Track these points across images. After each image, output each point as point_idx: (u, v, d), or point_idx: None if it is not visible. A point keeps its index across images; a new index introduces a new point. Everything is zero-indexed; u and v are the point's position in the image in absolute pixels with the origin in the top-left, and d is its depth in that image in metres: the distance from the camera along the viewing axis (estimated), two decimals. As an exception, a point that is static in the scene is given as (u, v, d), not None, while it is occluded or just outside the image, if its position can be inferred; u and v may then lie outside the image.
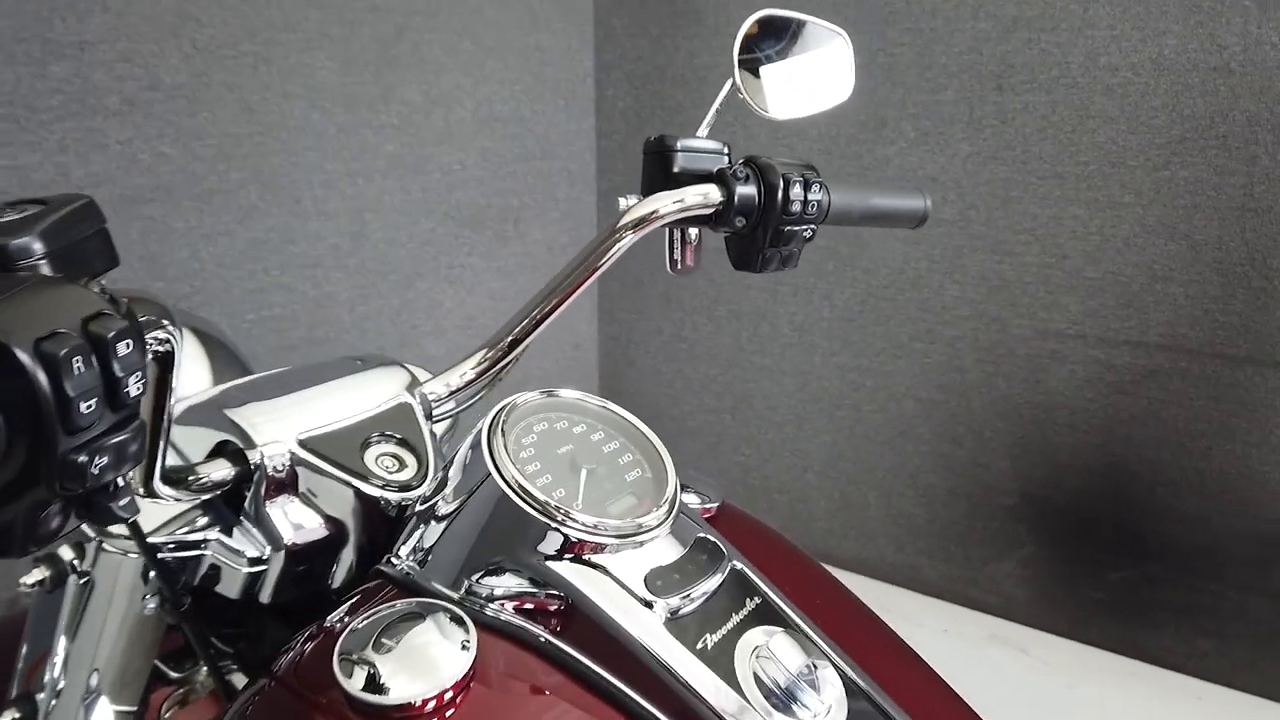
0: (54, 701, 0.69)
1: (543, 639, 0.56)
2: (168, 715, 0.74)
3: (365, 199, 1.91)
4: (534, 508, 0.57)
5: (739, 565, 0.62)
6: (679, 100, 2.32)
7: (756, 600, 0.60)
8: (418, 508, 0.64)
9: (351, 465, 0.64)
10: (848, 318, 2.21)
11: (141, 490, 0.54)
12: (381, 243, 1.97)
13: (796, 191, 0.76)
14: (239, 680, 0.72)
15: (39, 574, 0.65)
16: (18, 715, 0.69)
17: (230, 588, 0.65)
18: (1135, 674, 1.99)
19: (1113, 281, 1.88)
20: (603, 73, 2.43)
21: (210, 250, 1.67)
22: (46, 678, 0.70)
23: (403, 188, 1.98)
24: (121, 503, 0.43)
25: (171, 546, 0.63)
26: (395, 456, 0.67)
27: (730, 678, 0.54)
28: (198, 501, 0.63)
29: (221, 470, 0.61)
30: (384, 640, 0.52)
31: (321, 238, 1.85)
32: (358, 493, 0.64)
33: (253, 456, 0.61)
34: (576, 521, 0.57)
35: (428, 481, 0.66)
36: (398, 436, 0.68)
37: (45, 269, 0.43)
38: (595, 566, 0.57)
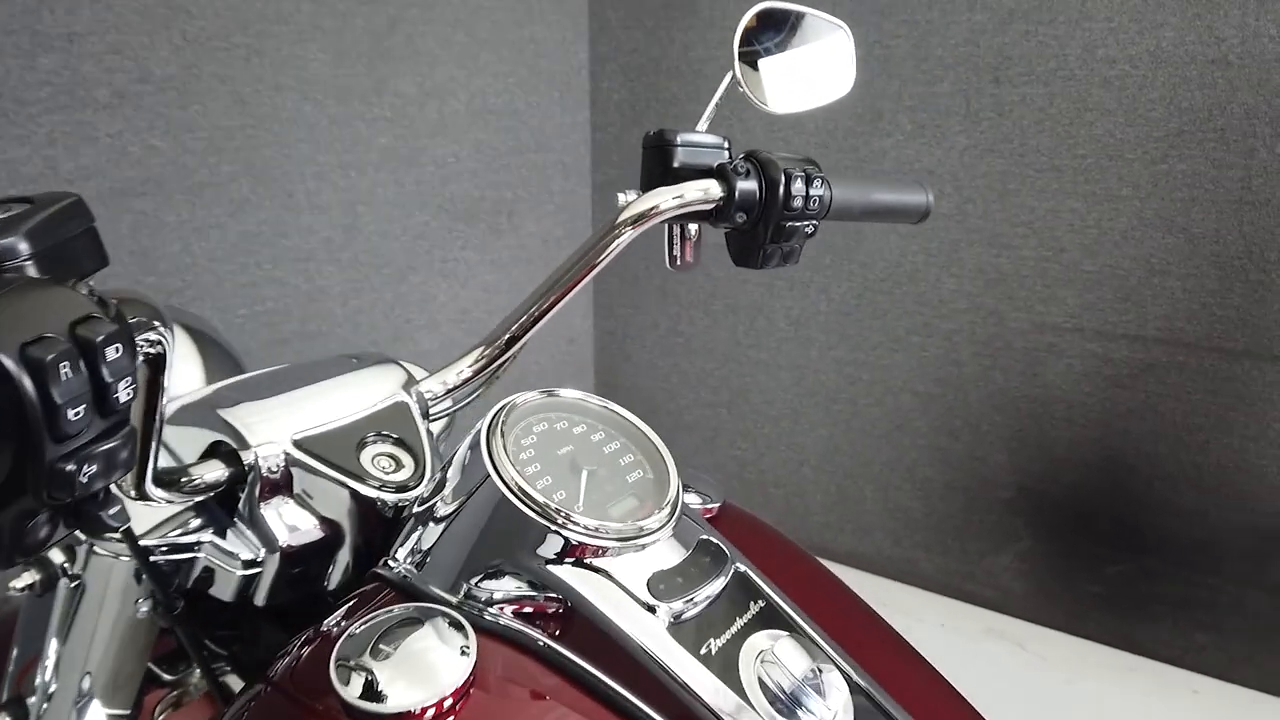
0: (45, 705, 0.68)
1: (543, 644, 0.55)
2: (161, 718, 0.73)
3: (358, 192, 1.90)
4: (534, 510, 0.55)
5: (742, 567, 0.61)
6: (674, 93, 2.30)
7: (760, 603, 0.59)
8: (415, 509, 0.63)
9: (347, 466, 0.63)
10: (844, 311, 2.20)
11: (133, 493, 0.53)
12: (375, 236, 1.95)
13: (798, 187, 0.75)
14: (233, 682, 0.72)
15: (29, 578, 0.64)
16: (9, 719, 0.68)
17: (224, 590, 0.63)
18: (1132, 668, 1.99)
19: (1110, 275, 1.87)
20: (597, 65, 2.41)
21: (202, 244, 1.65)
22: (38, 681, 0.69)
23: (396, 180, 1.97)
24: (111, 511, 0.42)
25: (164, 549, 0.62)
26: (392, 457, 0.66)
27: (735, 683, 0.53)
28: (191, 503, 0.62)
29: (215, 471, 0.60)
30: (382, 646, 0.51)
31: (314, 231, 1.83)
32: (354, 494, 0.63)
33: (246, 457, 0.60)
34: (577, 524, 0.55)
35: (425, 482, 0.65)
36: (394, 436, 0.67)
37: (31, 270, 0.42)
38: (597, 570, 0.56)
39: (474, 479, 0.58)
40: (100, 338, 0.38)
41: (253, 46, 1.66)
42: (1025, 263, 1.95)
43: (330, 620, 0.57)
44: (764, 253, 0.78)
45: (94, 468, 0.39)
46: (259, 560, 0.62)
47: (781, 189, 0.75)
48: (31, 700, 0.69)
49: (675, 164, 0.76)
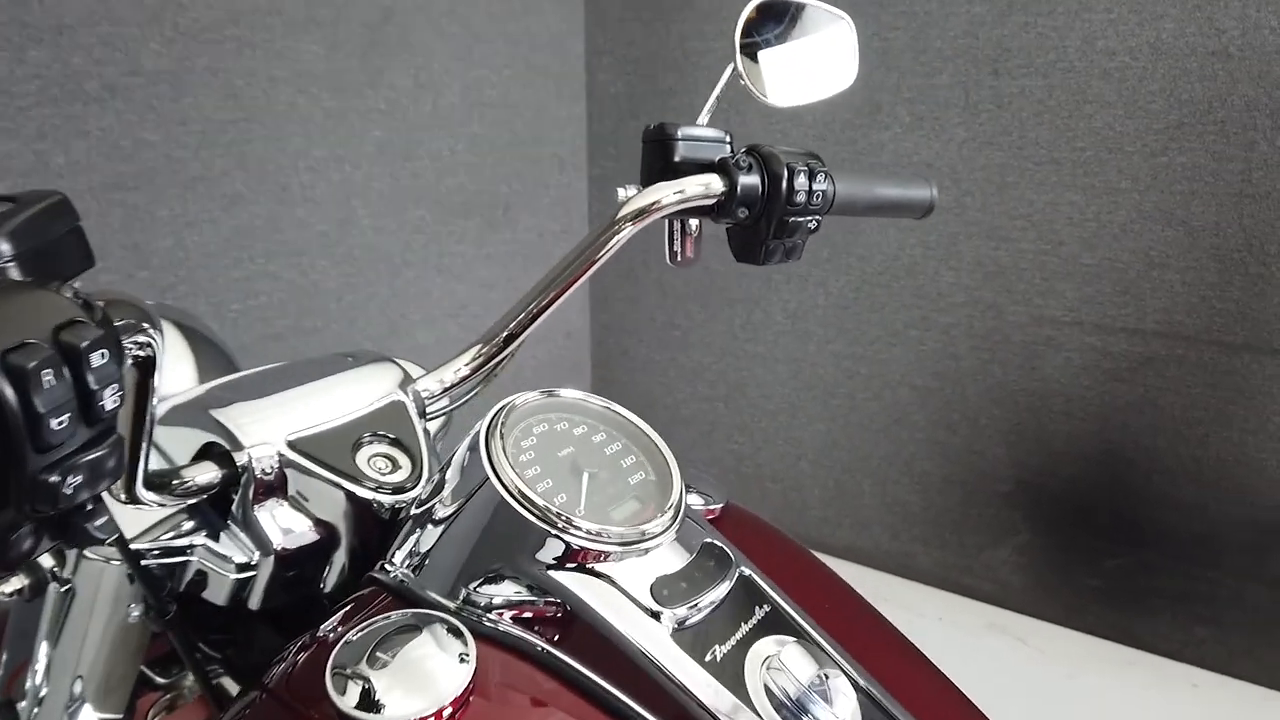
0: (36, 709, 0.67)
1: (544, 651, 0.53)
2: (154, 722, 0.72)
3: (353, 185, 1.88)
4: (534, 514, 0.54)
5: (747, 571, 0.59)
6: (671, 85, 2.29)
7: (766, 608, 0.58)
8: (412, 511, 0.62)
9: (343, 467, 0.62)
10: (842, 305, 2.19)
11: (124, 496, 0.52)
12: (370, 230, 1.94)
13: (801, 181, 0.74)
14: (228, 684, 0.70)
15: (17, 583, 0.63)
16: (-2, 723, 0.67)
17: (218, 594, 0.62)
18: (1131, 662, 1.99)
19: (1109, 268, 1.86)
20: (594, 58, 2.40)
21: (194, 239, 1.64)
22: (28, 685, 0.68)
23: (391, 174, 1.95)
24: (98, 523, 0.41)
25: (156, 553, 0.60)
26: (388, 457, 0.65)
27: (740, 690, 0.52)
28: (183, 506, 0.60)
29: (207, 473, 0.58)
30: (379, 654, 0.49)
31: (308, 225, 1.82)
32: (349, 495, 0.62)
33: (240, 458, 0.59)
34: (578, 528, 0.54)
35: (422, 483, 0.64)
36: (390, 436, 0.65)
37: (14, 272, 0.41)
38: (599, 575, 0.55)
39: (473, 481, 0.57)
40: (85, 343, 0.37)
41: (245, 39, 1.64)
42: (1024, 256, 1.94)
43: (326, 626, 0.56)
44: (766, 248, 0.76)
45: (79, 478, 0.38)
46: (253, 563, 0.61)
47: (784, 184, 0.73)
48: (22, 705, 0.68)
49: (676, 158, 0.74)
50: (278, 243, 1.77)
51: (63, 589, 0.64)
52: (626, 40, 2.33)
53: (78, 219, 0.42)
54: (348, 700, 0.47)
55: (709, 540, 0.60)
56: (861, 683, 0.55)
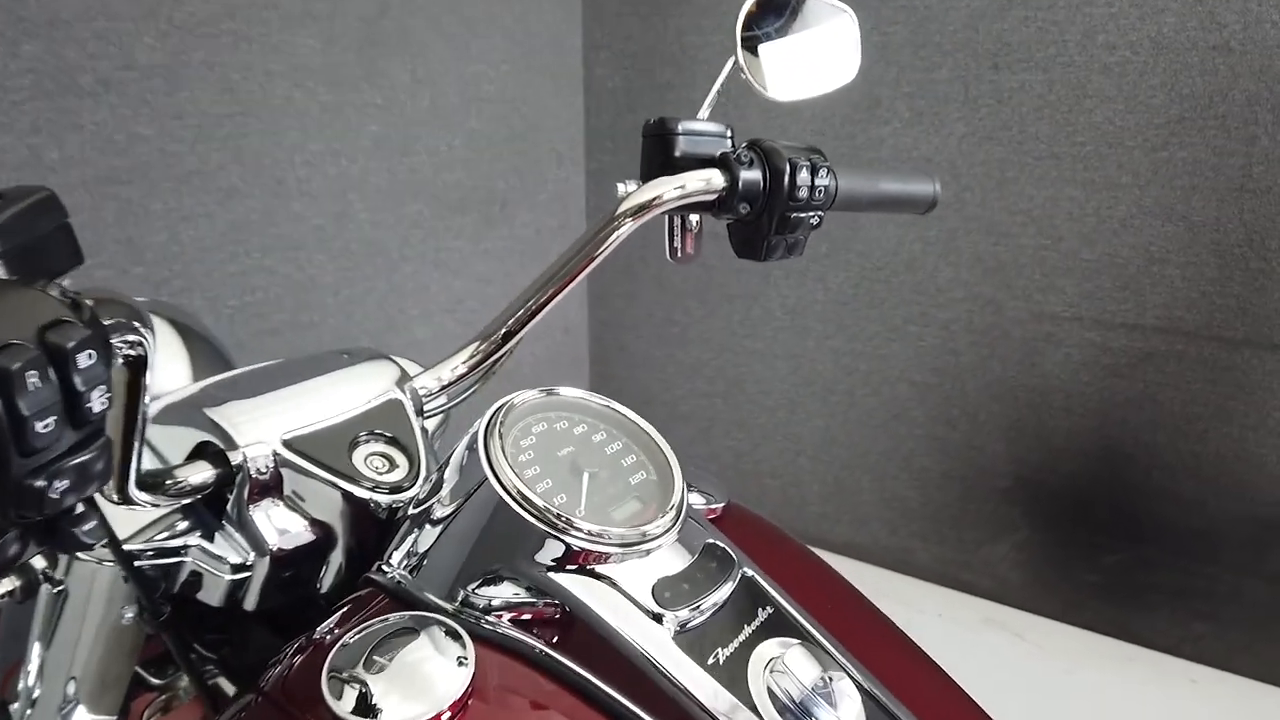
0: (29, 711, 0.67)
1: (544, 653, 0.53)
2: (150, 723, 0.71)
3: (350, 180, 1.87)
4: (533, 515, 0.53)
5: (749, 572, 0.59)
6: (669, 80, 2.28)
7: (769, 610, 0.57)
8: (410, 511, 0.61)
9: (339, 466, 0.61)
10: (841, 301, 2.18)
11: (116, 497, 0.51)
12: (367, 225, 1.93)
13: (803, 177, 0.73)
14: (224, 686, 0.70)
15: (8, 584, 0.62)
16: (-9, 725, 0.67)
17: (212, 595, 0.61)
18: (1130, 658, 1.98)
19: (1109, 263, 1.86)
20: (591, 52, 2.39)
21: (190, 233, 1.63)
22: (20, 686, 0.67)
23: (388, 168, 1.94)
24: (86, 528, 0.40)
25: (149, 554, 0.59)
26: (385, 456, 0.64)
27: (744, 694, 0.51)
28: (177, 506, 0.59)
29: (201, 473, 0.58)
30: (375, 658, 0.49)
31: (304, 219, 1.81)
32: (346, 495, 0.61)
33: (234, 458, 0.58)
34: (579, 529, 0.53)
35: (419, 483, 0.63)
36: (387, 435, 0.65)
37: None
38: (599, 577, 0.54)
39: (471, 481, 0.56)
40: (72, 344, 0.36)
41: (241, 32, 1.63)
42: (1023, 251, 1.94)
43: (323, 628, 0.55)
44: (768, 244, 0.76)
45: (65, 483, 0.37)
46: (248, 564, 0.60)
47: (786, 179, 0.73)
48: (14, 706, 0.67)
49: (676, 153, 0.74)
50: (274, 237, 1.76)
51: (55, 590, 0.63)
52: (624, 35, 2.32)
53: (66, 215, 0.41)
54: (344, 705, 0.47)
55: (711, 541, 0.59)
56: (865, 685, 0.55)
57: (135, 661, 0.67)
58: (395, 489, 0.62)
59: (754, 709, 0.50)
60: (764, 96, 0.79)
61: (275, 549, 0.60)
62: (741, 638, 0.54)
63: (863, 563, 2.34)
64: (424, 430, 0.68)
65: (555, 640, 0.53)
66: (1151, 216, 1.79)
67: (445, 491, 0.58)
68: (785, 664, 0.51)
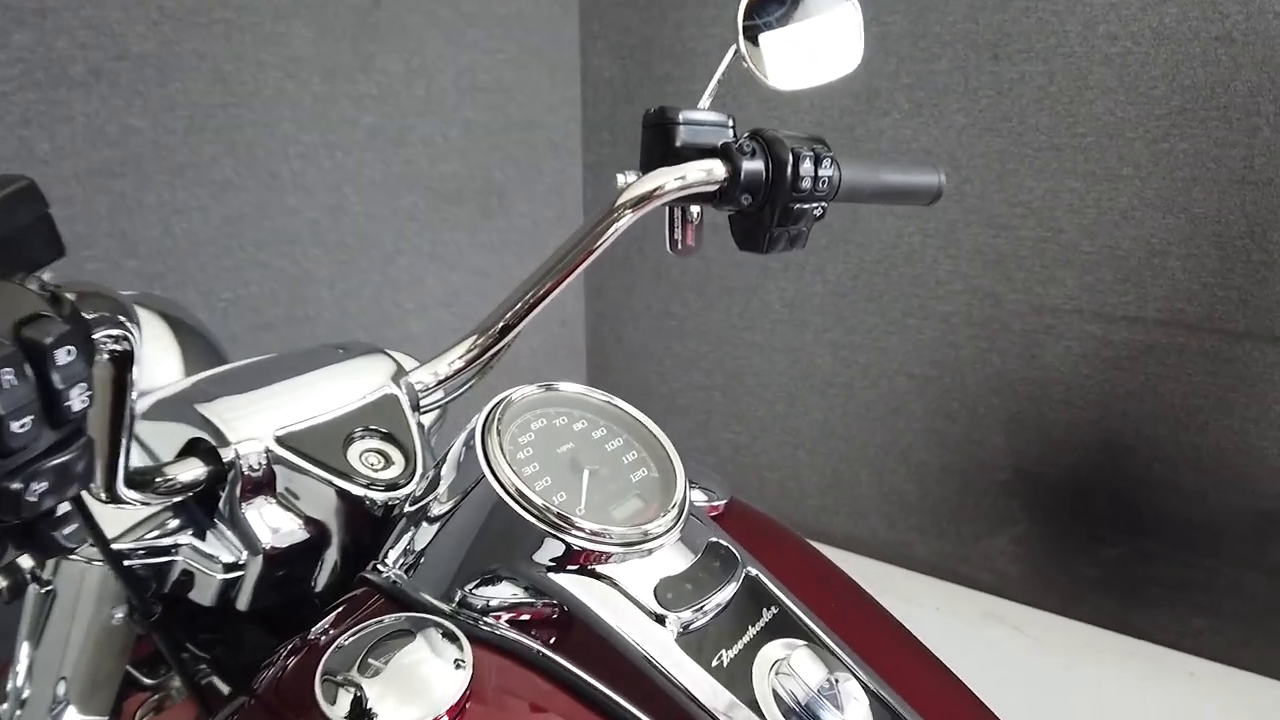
0: (19, 711, 0.66)
1: (543, 656, 0.51)
2: (142, 723, 0.70)
3: (344, 172, 1.86)
4: (532, 514, 0.52)
5: (753, 571, 0.57)
6: (667, 70, 2.26)
7: (773, 610, 0.56)
8: (406, 508, 0.60)
9: (333, 463, 0.60)
10: (840, 293, 2.17)
11: (104, 495, 0.50)
12: (362, 217, 1.91)
13: (806, 167, 0.71)
14: (218, 685, 0.68)
15: None
16: (-20, 726, 0.65)
17: (204, 595, 0.60)
18: (1130, 651, 1.98)
19: (1110, 256, 1.85)
20: (588, 42, 2.37)
21: (183, 226, 1.61)
22: (9, 686, 0.66)
23: (383, 160, 1.92)
24: (66, 531, 0.39)
25: (140, 553, 0.58)
26: (381, 453, 0.63)
27: (748, 697, 0.50)
28: (167, 504, 0.58)
29: (192, 470, 0.56)
30: (370, 661, 0.47)
31: (299, 213, 1.79)
32: (341, 493, 0.60)
33: (226, 455, 0.57)
34: (579, 529, 0.52)
35: (415, 479, 0.62)
36: (383, 431, 0.63)
37: None
38: (600, 577, 0.53)
39: (469, 478, 0.55)
40: (50, 339, 0.35)
41: (233, 22, 1.61)
42: (1023, 244, 1.92)
43: (317, 629, 0.54)
44: (770, 236, 0.74)
45: (44, 485, 0.36)
46: (240, 563, 0.59)
47: (789, 169, 0.71)
48: (4, 707, 0.66)
49: (677, 143, 0.72)
50: (268, 230, 1.74)
51: (43, 590, 0.62)
52: (621, 25, 2.30)
53: (46, 205, 0.39)
54: (338, 709, 0.46)
55: (714, 539, 0.58)
56: (872, 686, 0.54)
57: (126, 661, 0.66)
58: (391, 486, 0.61)
59: (759, 712, 0.49)
60: (765, 86, 0.78)
61: (268, 548, 0.58)
62: (746, 639, 0.53)
63: (861, 556, 2.33)
64: (420, 426, 0.67)
65: (555, 642, 0.52)
66: (1152, 208, 1.78)
67: (442, 489, 0.57)
68: (791, 666, 0.50)
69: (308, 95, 1.75)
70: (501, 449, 0.54)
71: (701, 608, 0.53)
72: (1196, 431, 1.85)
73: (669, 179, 0.70)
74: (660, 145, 0.73)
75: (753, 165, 0.72)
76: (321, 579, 0.62)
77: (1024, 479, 2.08)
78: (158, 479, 0.54)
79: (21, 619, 0.64)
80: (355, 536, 0.61)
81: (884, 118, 2.01)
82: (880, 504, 2.28)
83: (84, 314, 0.39)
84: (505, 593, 0.53)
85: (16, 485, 0.35)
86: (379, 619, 0.51)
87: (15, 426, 0.33)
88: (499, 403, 0.58)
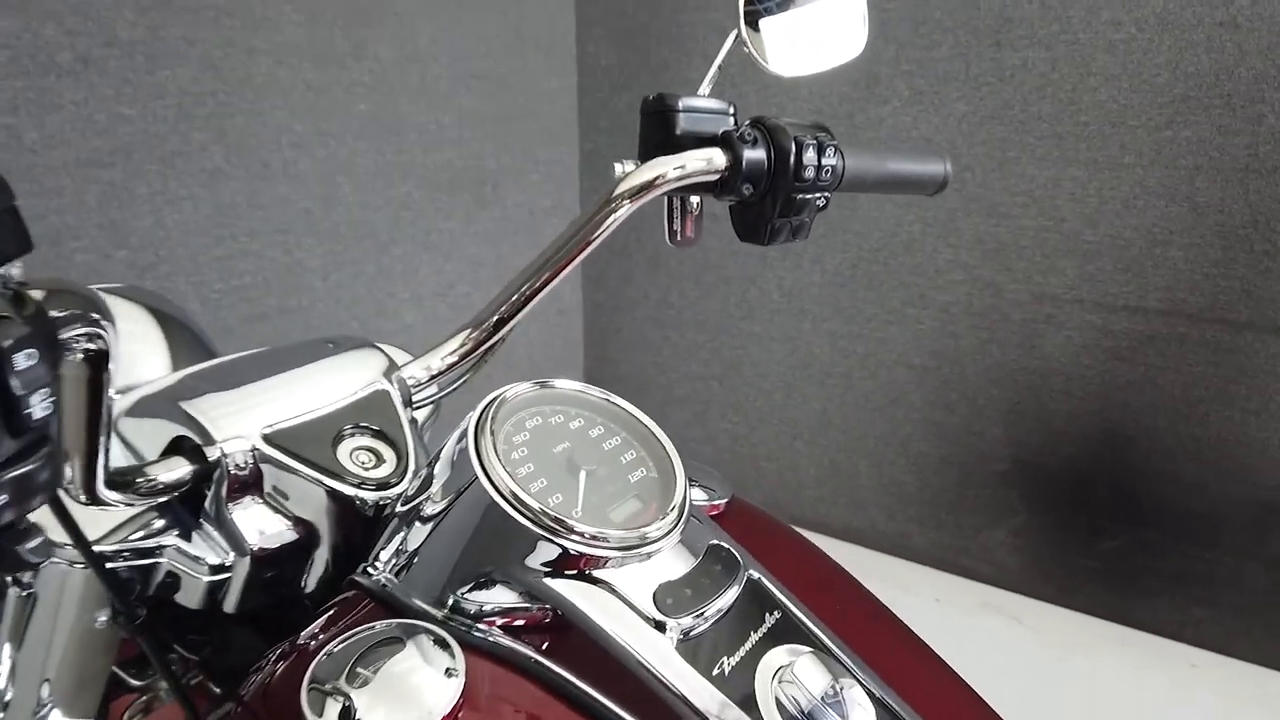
0: (2, 714, 0.64)
1: (538, 664, 0.50)
2: (130, 725, 0.68)
3: (337, 161, 1.83)
4: (527, 517, 0.50)
5: (755, 575, 0.56)
6: (664, 58, 2.24)
7: (776, 615, 0.54)
8: (398, 508, 0.58)
9: (323, 462, 0.58)
10: (838, 283, 2.15)
11: (83, 497, 0.48)
12: (355, 207, 1.89)
13: (810, 156, 0.69)
14: (209, 686, 0.67)
15: None
16: (-37, 730, 0.64)
17: (190, 597, 0.59)
18: (1129, 642, 1.97)
19: (1111, 245, 1.83)
20: (584, 29, 2.34)
21: (174, 216, 1.59)
22: None
23: (376, 149, 1.90)
24: (30, 545, 0.37)
25: (123, 555, 0.56)
26: (372, 450, 0.61)
27: (750, 706, 0.48)
28: (151, 505, 0.56)
29: (176, 470, 0.54)
30: (359, 670, 0.46)
31: (292, 202, 1.77)
32: (330, 492, 0.58)
33: (211, 454, 0.55)
34: (575, 533, 0.50)
35: (408, 478, 0.60)
36: (374, 428, 0.61)
37: None
38: (598, 582, 0.51)
39: (462, 478, 0.53)
40: (8, 342, 0.33)
41: (222, 8, 1.59)
42: (1024, 233, 1.91)
43: (305, 634, 0.53)
44: (771, 227, 0.72)
45: (3, 497, 0.34)
46: (227, 565, 0.57)
47: (792, 158, 0.69)
48: (-12, 709, 0.65)
49: (677, 131, 0.70)
50: (260, 220, 1.72)
51: (24, 594, 0.60)
52: (618, 10, 2.28)
53: (13, 198, 0.37)
54: None
55: (715, 541, 0.56)
56: (877, 692, 0.52)
57: (112, 664, 0.64)
58: (382, 485, 0.59)
59: None
60: (767, 72, 0.76)
61: (256, 549, 0.57)
62: (748, 646, 0.51)
63: (860, 547, 2.32)
64: (413, 421, 0.65)
65: (550, 650, 0.50)
66: (1155, 197, 1.76)
67: (435, 488, 0.55)
68: (794, 674, 0.48)
69: (300, 82, 1.73)
70: (495, 449, 0.52)
71: (702, 613, 0.51)
72: (1197, 422, 1.84)
73: (668, 168, 0.68)
74: (659, 133, 0.71)
75: (754, 154, 0.69)
76: (311, 580, 0.60)
77: (1023, 470, 2.07)
78: (139, 479, 0.52)
79: (2, 621, 0.63)
80: (346, 537, 0.59)
81: (884, 105, 1.99)
82: (879, 495, 2.27)
83: (51, 313, 0.37)
84: (499, 598, 0.52)
85: None
86: (369, 625, 0.49)
87: None
88: (492, 401, 0.56)
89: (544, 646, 0.51)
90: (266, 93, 1.68)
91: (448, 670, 0.47)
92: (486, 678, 0.49)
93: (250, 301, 1.73)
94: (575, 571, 0.51)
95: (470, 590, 0.52)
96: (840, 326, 2.18)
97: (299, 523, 0.58)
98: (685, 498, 0.56)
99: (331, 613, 0.54)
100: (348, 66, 1.81)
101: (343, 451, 0.59)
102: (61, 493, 0.46)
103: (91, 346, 0.41)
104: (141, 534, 0.57)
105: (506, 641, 0.51)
